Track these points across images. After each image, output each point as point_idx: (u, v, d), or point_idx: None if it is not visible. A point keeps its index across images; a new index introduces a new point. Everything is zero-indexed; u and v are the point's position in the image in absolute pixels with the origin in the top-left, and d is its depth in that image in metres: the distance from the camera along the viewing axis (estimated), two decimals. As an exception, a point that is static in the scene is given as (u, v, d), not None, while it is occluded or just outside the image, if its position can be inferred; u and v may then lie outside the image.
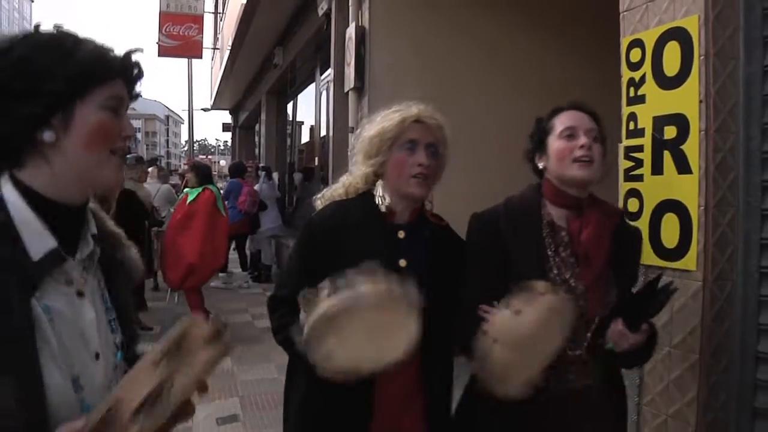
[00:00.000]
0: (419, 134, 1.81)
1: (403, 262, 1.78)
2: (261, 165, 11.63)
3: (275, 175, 11.17)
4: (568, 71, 5.34)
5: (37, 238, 1.02)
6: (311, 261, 1.80)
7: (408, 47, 5.50)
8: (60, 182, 1.06)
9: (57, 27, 1.08)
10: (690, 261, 2.16)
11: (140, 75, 1.15)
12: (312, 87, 9.98)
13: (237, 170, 9.99)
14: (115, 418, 0.93)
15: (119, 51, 1.12)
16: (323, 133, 8.93)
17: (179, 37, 14.49)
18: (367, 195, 1.87)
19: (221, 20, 15.83)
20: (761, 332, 2.14)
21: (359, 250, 1.66)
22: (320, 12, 6.68)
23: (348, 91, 5.71)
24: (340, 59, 5.94)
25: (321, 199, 1.99)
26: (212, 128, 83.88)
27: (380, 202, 1.84)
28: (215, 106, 20.59)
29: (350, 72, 5.57)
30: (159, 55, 14.45)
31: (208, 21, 16.33)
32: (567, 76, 5.18)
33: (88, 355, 1.06)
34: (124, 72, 1.11)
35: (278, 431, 3.99)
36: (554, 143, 1.80)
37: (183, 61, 17.59)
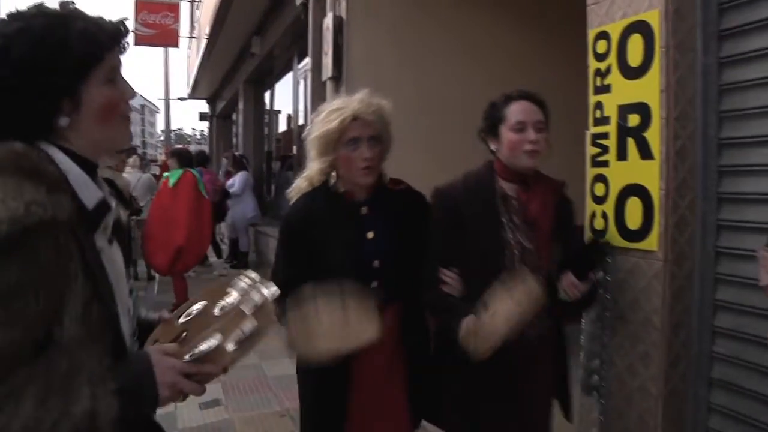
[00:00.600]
0: (359, 131, 1.99)
1: (370, 234, 2.01)
2: (238, 154, 11.63)
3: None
4: (548, 66, 5.38)
5: (88, 190, 1.14)
6: (293, 250, 2.06)
7: (385, 39, 5.56)
8: (80, 150, 1.16)
9: (39, 8, 1.14)
10: (652, 242, 2.29)
11: (127, 33, 1.23)
12: (290, 76, 10.00)
13: (199, 159, 9.96)
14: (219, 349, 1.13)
15: (107, 21, 1.19)
16: (301, 121, 8.96)
17: (155, 26, 14.27)
18: (328, 183, 2.11)
19: (197, 9, 15.70)
20: (717, 308, 2.28)
21: (330, 232, 1.96)
22: (298, 1, 6.71)
23: (326, 81, 5.77)
24: (318, 49, 5.97)
25: (291, 192, 2.20)
26: (189, 117, 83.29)
27: (338, 189, 2.08)
28: (192, 95, 20.43)
29: (328, 62, 5.62)
30: (135, 44, 14.17)
31: (185, 9, 16.16)
32: (546, 72, 5.24)
33: (126, 291, 1.22)
34: (117, 41, 1.19)
35: (259, 413, 4.11)
36: (506, 134, 2.02)
37: (158, 50, 17.42)
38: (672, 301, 2.29)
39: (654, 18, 2.26)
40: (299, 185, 2.18)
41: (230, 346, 1.13)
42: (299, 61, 8.86)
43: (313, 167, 2.13)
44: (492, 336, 1.80)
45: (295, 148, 9.57)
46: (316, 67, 6.06)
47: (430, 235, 2.07)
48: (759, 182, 2.11)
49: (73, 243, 1.05)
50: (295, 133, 9.52)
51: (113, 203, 1.22)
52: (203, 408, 4.23)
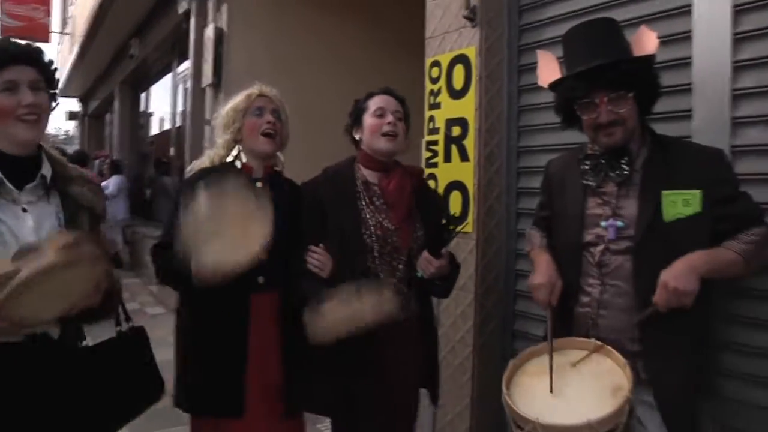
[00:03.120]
0: (264, 103, 2.28)
1: None
2: (113, 158, 11.60)
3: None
4: (410, 71, 5.86)
5: None
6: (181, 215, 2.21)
7: (263, 49, 6.01)
8: None
9: None
10: (468, 226, 2.93)
11: (32, 54, 1.67)
12: (167, 79, 10.05)
13: (78, 158, 9.93)
14: None
15: (14, 45, 1.66)
16: (179, 124, 9.12)
17: (23, 18, 13.57)
18: (228, 163, 2.28)
19: (71, 5, 15.26)
20: (518, 276, 2.96)
21: None
22: (180, 10, 6.97)
23: (205, 87, 6.11)
24: (199, 56, 6.31)
25: (190, 171, 2.36)
26: (54, 116, 78.08)
27: (238, 162, 2.26)
28: (62, 93, 19.72)
29: (208, 69, 5.97)
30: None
31: (56, 4, 15.62)
32: (408, 77, 5.73)
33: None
34: (15, 60, 1.62)
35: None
36: (368, 120, 2.26)
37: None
38: (483, 271, 2.95)
39: (472, 53, 2.92)
40: (200, 164, 2.32)
41: (22, 274, 1.37)
42: (179, 65, 9.02)
43: (218, 144, 2.30)
44: (328, 326, 1.90)
45: (172, 150, 9.70)
46: (197, 73, 6.37)
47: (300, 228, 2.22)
48: (545, 180, 2.78)
49: None
50: (173, 136, 9.64)
51: (31, 184, 1.66)
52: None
